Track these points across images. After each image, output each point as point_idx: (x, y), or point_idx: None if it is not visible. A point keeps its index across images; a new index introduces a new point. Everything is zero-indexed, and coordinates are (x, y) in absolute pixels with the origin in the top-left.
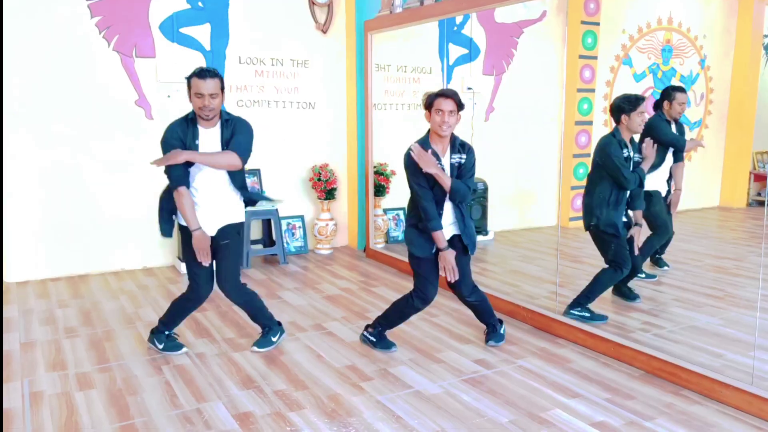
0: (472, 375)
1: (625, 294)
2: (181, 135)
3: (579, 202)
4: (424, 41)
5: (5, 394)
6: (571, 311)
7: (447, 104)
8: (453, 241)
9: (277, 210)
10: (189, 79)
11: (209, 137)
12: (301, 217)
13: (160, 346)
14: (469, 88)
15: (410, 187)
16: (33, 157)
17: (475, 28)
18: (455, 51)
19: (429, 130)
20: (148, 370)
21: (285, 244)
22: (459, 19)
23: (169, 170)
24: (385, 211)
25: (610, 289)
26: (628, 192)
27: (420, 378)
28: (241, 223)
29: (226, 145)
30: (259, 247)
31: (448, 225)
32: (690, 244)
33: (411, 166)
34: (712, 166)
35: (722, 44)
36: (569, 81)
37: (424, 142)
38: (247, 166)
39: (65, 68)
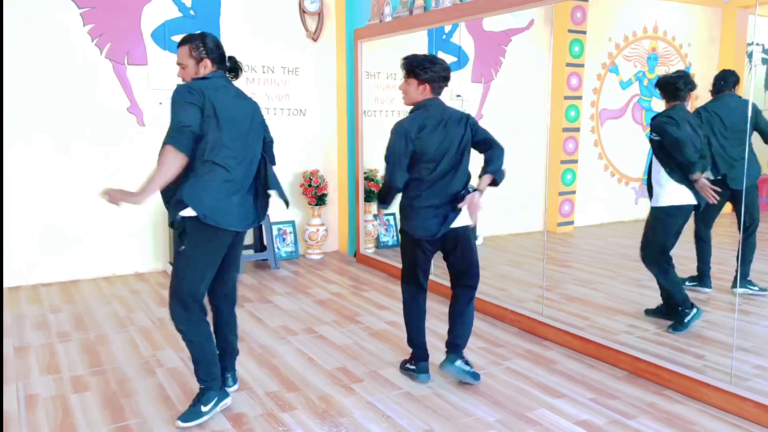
0: None
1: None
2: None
3: (567, 208)
4: (414, 49)
5: None
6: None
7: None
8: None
9: (268, 215)
10: None
11: None
12: (292, 223)
13: None
14: (458, 96)
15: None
16: (24, 162)
17: (464, 37)
18: (444, 59)
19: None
20: (142, 373)
21: (276, 249)
22: (448, 28)
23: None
24: (375, 216)
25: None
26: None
27: (409, 379)
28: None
29: None
30: (251, 252)
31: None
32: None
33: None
34: None
35: (707, 52)
36: (556, 88)
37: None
38: None
39: (58, 75)
